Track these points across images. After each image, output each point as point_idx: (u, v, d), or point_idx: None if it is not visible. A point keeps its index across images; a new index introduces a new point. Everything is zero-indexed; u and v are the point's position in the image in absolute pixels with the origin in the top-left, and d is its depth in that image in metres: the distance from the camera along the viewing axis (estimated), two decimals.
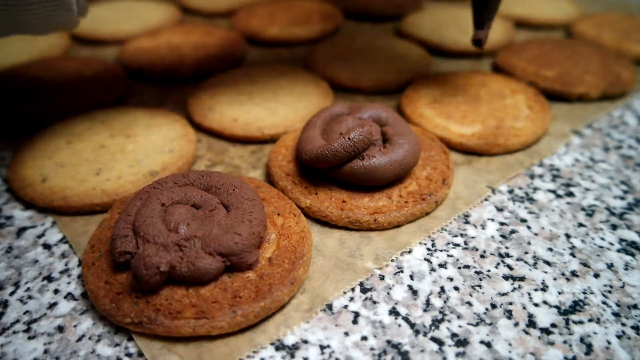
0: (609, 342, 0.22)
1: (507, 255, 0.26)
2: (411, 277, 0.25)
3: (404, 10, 0.58)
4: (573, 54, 0.44)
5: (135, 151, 0.32)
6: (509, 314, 0.23)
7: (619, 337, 0.22)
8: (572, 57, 0.44)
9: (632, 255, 0.27)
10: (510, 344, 0.22)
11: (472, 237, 0.28)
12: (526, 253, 0.27)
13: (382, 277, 0.25)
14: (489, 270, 0.26)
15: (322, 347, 0.22)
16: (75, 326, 0.23)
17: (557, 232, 0.28)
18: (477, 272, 0.25)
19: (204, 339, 0.22)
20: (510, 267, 0.26)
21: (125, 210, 0.24)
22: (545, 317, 0.23)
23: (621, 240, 0.28)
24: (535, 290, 0.25)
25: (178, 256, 0.22)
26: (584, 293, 0.24)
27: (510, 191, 0.31)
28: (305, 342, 0.22)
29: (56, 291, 0.24)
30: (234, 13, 0.57)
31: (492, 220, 0.29)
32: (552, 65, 0.42)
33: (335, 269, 0.25)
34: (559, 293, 0.24)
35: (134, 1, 0.60)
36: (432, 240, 0.27)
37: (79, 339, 0.22)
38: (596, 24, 0.53)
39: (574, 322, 0.23)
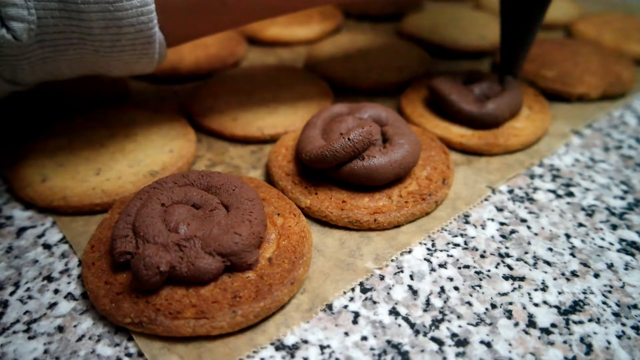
0: (609, 342, 0.22)
1: (507, 255, 0.26)
2: (411, 277, 0.25)
3: (404, 10, 0.58)
4: (573, 54, 0.44)
5: (135, 151, 0.32)
6: (509, 314, 0.23)
7: (619, 337, 0.22)
8: (572, 57, 0.44)
9: (632, 255, 0.27)
10: (510, 344, 0.22)
11: (472, 237, 0.28)
12: (526, 253, 0.27)
13: (382, 277, 0.25)
14: (489, 270, 0.26)
15: (322, 347, 0.22)
16: (75, 326, 0.23)
17: (557, 232, 0.28)
18: (477, 272, 0.25)
19: (204, 339, 0.22)
20: (510, 267, 0.26)
21: (125, 210, 0.24)
22: (545, 317, 0.23)
23: (621, 240, 0.28)
24: (535, 290, 0.25)
25: (178, 256, 0.22)
26: (584, 293, 0.24)
27: (510, 191, 0.31)
28: (305, 342, 0.22)
29: (56, 291, 0.24)
30: None
31: (492, 220, 0.29)
32: (552, 65, 0.42)
33: (335, 269, 0.25)
34: (559, 293, 0.24)
35: None
36: (432, 240, 0.27)
37: (79, 339, 0.22)
38: (596, 24, 0.53)
39: (574, 322, 0.23)
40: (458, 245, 0.27)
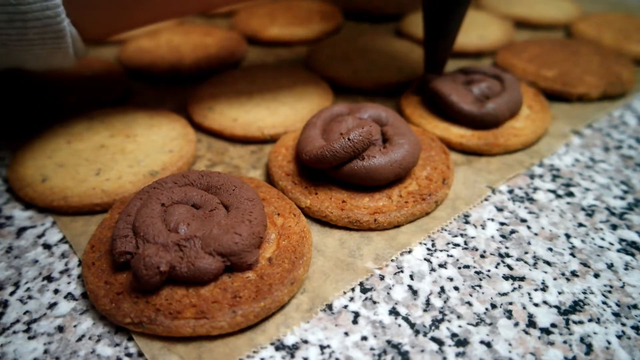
0: (609, 342, 0.22)
1: (507, 255, 0.26)
2: (411, 277, 0.25)
3: (404, 10, 0.58)
4: (573, 54, 0.44)
5: (135, 151, 0.32)
6: (509, 314, 0.23)
7: (619, 337, 0.22)
8: (572, 57, 0.44)
9: (632, 255, 0.27)
10: (510, 344, 0.22)
11: (472, 237, 0.28)
12: (526, 253, 0.27)
13: (382, 277, 0.25)
14: (489, 270, 0.26)
15: (322, 347, 0.22)
16: (75, 326, 0.23)
17: (557, 232, 0.28)
18: (477, 272, 0.25)
19: (204, 339, 0.22)
20: (510, 267, 0.26)
21: (125, 211, 0.24)
22: (545, 317, 0.23)
23: (621, 240, 0.28)
24: (535, 290, 0.25)
25: (178, 256, 0.22)
26: (584, 293, 0.24)
27: (510, 191, 0.31)
28: (305, 342, 0.22)
29: (56, 291, 0.24)
30: (234, 13, 0.57)
31: (492, 220, 0.29)
32: (552, 65, 0.42)
33: (335, 269, 0.25)
34: (559, 293, 0.24)
35: None
36: (432, 240, 0.27)
37: (79, 339, 0.22)
38: (596, 24, 0.53)
39: (574, 322, 0.23)
40: (458, 245, 0.27)
